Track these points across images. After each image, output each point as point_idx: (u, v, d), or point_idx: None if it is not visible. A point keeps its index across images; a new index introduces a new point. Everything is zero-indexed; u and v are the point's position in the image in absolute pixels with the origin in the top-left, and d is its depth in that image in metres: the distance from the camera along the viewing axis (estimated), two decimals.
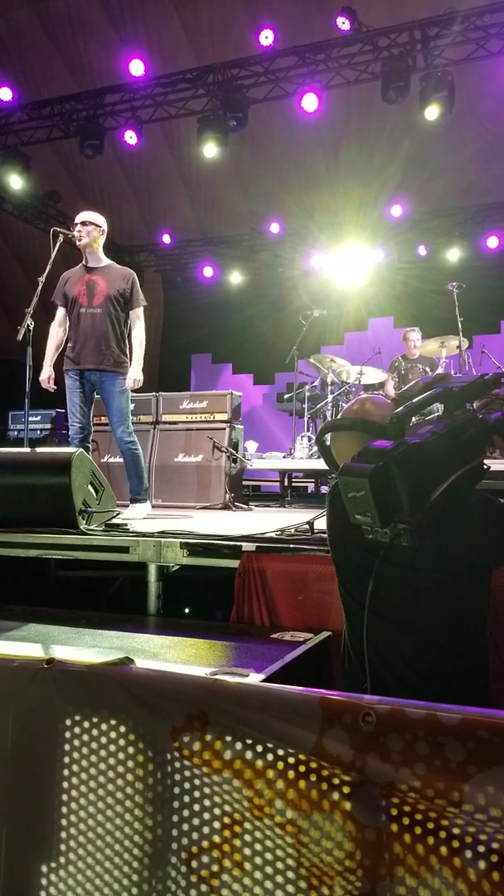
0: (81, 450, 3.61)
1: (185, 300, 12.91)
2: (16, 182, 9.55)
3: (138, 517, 4.30)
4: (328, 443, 2.05)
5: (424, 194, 10.09)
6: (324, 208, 10.45)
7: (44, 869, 1.36)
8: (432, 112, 7.30)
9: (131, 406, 6.45)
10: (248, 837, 1.21)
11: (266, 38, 7.67)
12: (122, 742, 1.33)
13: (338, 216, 10.52)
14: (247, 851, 1.21)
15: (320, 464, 6.70)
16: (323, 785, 1.15)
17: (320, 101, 7.65)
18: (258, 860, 1.20)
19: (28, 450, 3.85)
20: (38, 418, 8.00)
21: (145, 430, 6.36)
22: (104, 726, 1.35)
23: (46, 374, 4.48)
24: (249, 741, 1.22)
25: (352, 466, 1.58)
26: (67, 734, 1.37)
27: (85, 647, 2.37)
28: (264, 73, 8.06)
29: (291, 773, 1.18)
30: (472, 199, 10.26)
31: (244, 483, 6.87)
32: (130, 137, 8.70)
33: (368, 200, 10.10)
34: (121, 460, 4.62)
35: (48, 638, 2.51)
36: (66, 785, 1.36)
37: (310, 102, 7.65)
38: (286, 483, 7.36)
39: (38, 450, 3.88)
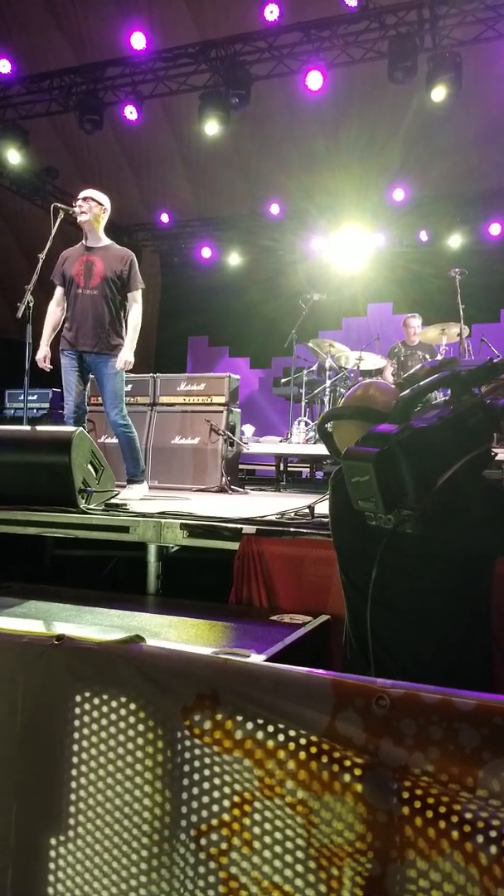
0: (81, 429, 3.59)
1: (182, 281, 12.81)
2: (13, 157, 9.41)
3: (135, 498, 4.29)
4: (330, 429, 2.03)
5: (426, 178, 9.99)
6: (324, 190, 10.34)
7: (52, 842, 1.37)
8: (439, 93, 7.21)
9: (128, 387, 6.45)
10: (257, 816, 1.22)
11: (271, 13, 7.51)
12: (132, 719, 1.34)
13: (338, 199, 10.42)
14: (256, 830, 1.22)
15: (316, 449, 6.73)
16: (334, 767, 1.16)
17: (325, 79, 7.54)
18: (267, 839, 1.21)
19: (28, 428, 3.83)
20: (36, 397, 7.96)
21: (142, 412, 6.34)
22: (114, 703, 1.35)
23: (42, 353, 4.44)
24: (261, 721, 1.23)
25: (355, 451, 1.55)
26: (77, 710, 1.37)
27: (87, 625, 2.37)
28: (268, 48, 7.92)
29: (303, 755, 1.19)
30: (475, 183, 10.17)
31: (240, 467, 6.87)
32: (130, 113, 8.55)
33: (369, 183, 10.00)
34: (117, 441, 4.60)
35: (49, 615, 2.52)
36: (75, 760, 1.37)
37: (314, 80, 7.53)
38: (282, 468, 7.36)
39: (39, 428, 3.86)
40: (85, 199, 4.42)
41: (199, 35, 8.29)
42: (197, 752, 1.28)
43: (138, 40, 8.11)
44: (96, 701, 1.36)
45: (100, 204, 4.46)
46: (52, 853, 1.37)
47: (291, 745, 1.20)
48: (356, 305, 11.28)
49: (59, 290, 4.52)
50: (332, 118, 9.20)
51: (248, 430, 7.58)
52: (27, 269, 4.28)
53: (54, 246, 4.46)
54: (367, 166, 9.69)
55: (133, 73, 8.56)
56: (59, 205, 4.48)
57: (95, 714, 1.36)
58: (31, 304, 4.29)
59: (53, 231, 4.42)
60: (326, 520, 2.28)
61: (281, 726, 1.21)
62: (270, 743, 1.21)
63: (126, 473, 4.52)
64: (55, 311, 4.51)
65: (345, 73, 8.12)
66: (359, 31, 7.51)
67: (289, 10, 7.57)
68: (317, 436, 6.32)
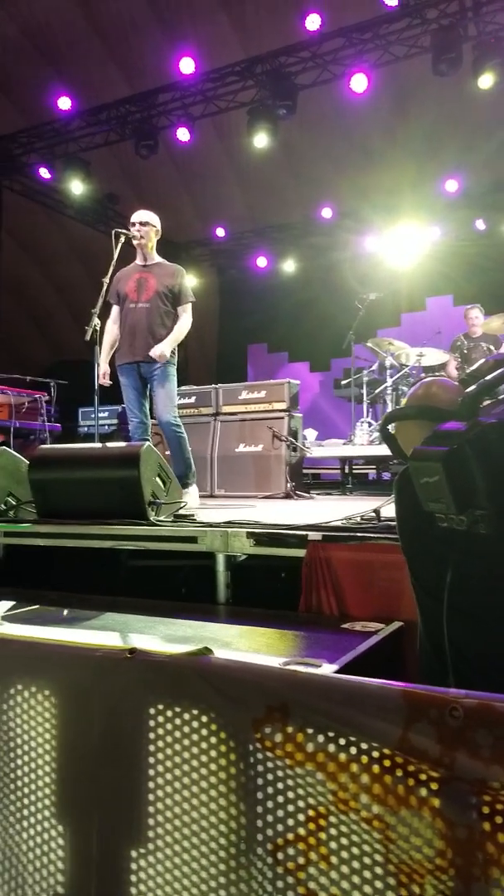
0: (149, 443, 3.66)
1: (240, 292, 12.93)
2: (77, 187, 9.81)
3: (194, 504, 4.35)
4: (393, 431, 2.00)
5: (481, 168, 9.78)
6: (378, 188, 10.26)
7: (133, 854, 1.39)
8: (486, 80, 7.09)
9: (191, 399, 6.55)
10: (333, 831, 1.21)
11: (312, 22, 7.60)
12: (204, 732, 1.35)
13: (392, 196, 10.32)
14: (333, 845, 1.21)
15: (381, 450, 6.64)
16: (409, 780, 1.14)
17: (370, 80, 7.52)
18: (345, 854, 1.20)
19: (99, 445, 3.94)
20: (106, 414, 8.20)
21: (205, 423, 6.42)
22: (186, 716, 1.36)
23: (102, 370, 4.56)
24: (332, 734, 1.22)
25: (423, 450, 1.51)
26: (151, 723, 1.39)
27: (161, 636, 2.41)
28: (311, 57, 7.96)
29: (376, 768, 1.17)
30: None
31: (304, 471, 6.85)
32: (183, 134, 8.79)
33: (424, 177, 9.86)
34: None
35: (125, 626, 2.57)
36: (151, 773, 1.39)
37: (359, 83, 7.54)
38: (347, 470, 7.29)
39: (109, 445, 3.96)
40: (142, 223, 4.55)
41: (244, 52, 8.43)
42: (269, 764, 1.27)
43: (187, 65, 8.34)
44: (169, 713, 1.38)
45: (153, 226, 4.61)
46: (133, 865, 1.39)
47: (364, 759, 1.18)
48: (415, 300, 11.12)
49: (115, 309, 4.66)
50: (382, 116, 9.13)
51: (311, 434, 7.55)
52: (95, 293, 4.43)
53: (117, 268, 4.60)
54: (421, 160, 9.57)
55: (183, 96, 8.79)
56: (120, 230, 4.62)
57: (169, 726, 1.38)
58: (97, 327, 4.42)
59: (115, 255, 4.54)
60: (394, 523, 2.24)
61: (352, 739, 1.19)
62: (342, 756, 1.20)
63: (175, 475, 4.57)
64: (112, 330, 4.65)
65: (395, 70, 8.06)
66: (400, 29, 7.47)
67: (329, 17, 7.62)
68: (380, 437, 6.24)
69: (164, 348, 4.43)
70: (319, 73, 8.06)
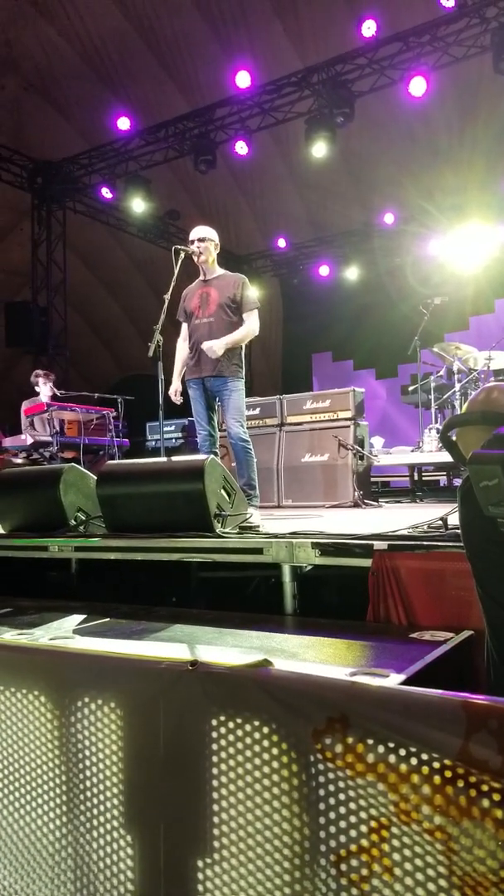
0: (213, 456, 3.72)
1: (303, 302, 12.95)
2: (138, 206, 10.06)
3: (257, 520, 4.35)
4: (454, 437, 1.97)
5: None
6: (444, 188, 10.09)
7: (199, 864, 1.41)
8: None
9: (256, 410, 6.60)
10: (396, 842, 1.20)
11: (368, 28, 7.58)
12: (265, 743, 1.36)
13: (459, 196, 10.12)
14: (396, 857, 1.20)
15: (449, 456, 6.44)
16: (471, 791, 1.12)
17: (429, 83, 7.43)
18: (408, 866, 1.19)
19: (164, 459, 4.02)
20: (172, 428, 8.36)
21: (271, 433, 6.45)
22: (248, 727, 1.38)
23: (175, 387, 4.67)
24: (392, 745, 1.21)
25: (482, 454, 1.49)
26: (214, 734, 1.42)
27: (228, 647, 2.44)
28: (368, 63, 7.94)
29: (437, 779, 1.15)
30: None
31: (372, 480, 6.78)
32: (241, 148, 8.89)
33: (493, 176, 9.64)
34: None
35: (193, 638, 2.60)
36: (215, 783, 1.41)
37: (417, 87, 7.46)
38: (416, 477, 7.16)
39: (174, 458, 4.04)
40: (201, 239, 4.62)
41: (301, 62, 8.48)
42: (331, 775, 1.27)
43: (243, 79, 8.44)
44: (231, 725, 1.40)
45: (212, 240, 4.66)
46: (200, 875, 1.41)
47: (425, 769, 1.17)
48: (483, 303, 10.85)
49: (184, 327, 4.75)
50: (447, 116, 9.00)
51: (378, 442, 7.46)
52: (158, 309, 4.53)
53: (180, 283, 4.69)
54: (491, 159, 9.36)
55: (240, 109, 8.90)
56: (180, 247, 4.70)
57: (231, 738, 1.40)
58: (160, 343, 4.52)
59: (176, 272, 4.63)
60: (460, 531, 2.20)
61: (413, 750, 1.18)
62: (403, 767, 1.19)
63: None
64: (182, 347, 4.74)
65: (450, 72, 7.94)
66: (458, 29, 7.36)
67: (385, 22, 7.59)
68: (442, 443, 6.10)
69: (217, 344, 4.41)
70: (377, 78, 8.03)
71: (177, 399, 4.70)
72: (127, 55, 9.12)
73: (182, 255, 4.65)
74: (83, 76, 9.30)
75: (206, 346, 4.44)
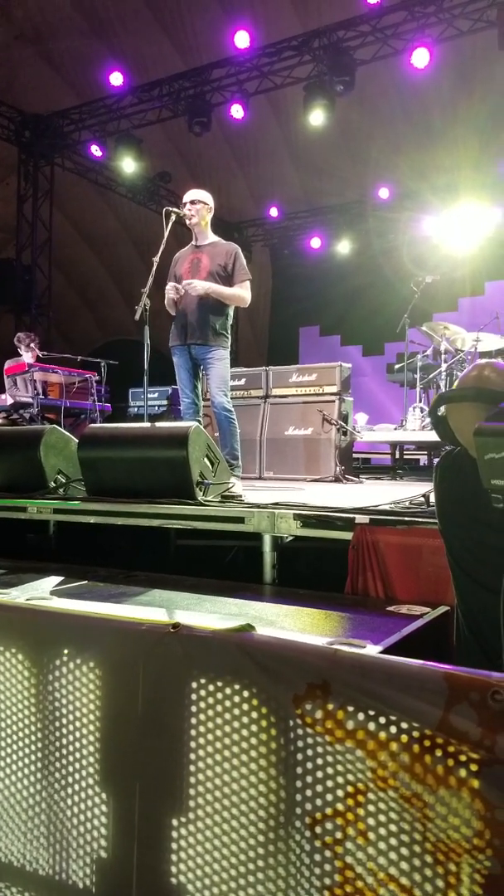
0: (197, 424, 3.69)
1: (293, 273, 12.83)
2: (129, 165, 9.80)
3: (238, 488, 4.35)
4: (443, 413, 1.96)
5: None
6: (438, 167, 9.99)
7: (174, 822, 1.43)
8: None
9: (241, 381, 6.55)
10: (371, 808, 1.22)
11: None
12: (245, 706, 1.37)
13: (453, 175, 10.03)
14: (371, 821, 1.22)
15: (433, 435, 6.48)
16: (449, 761, 1.13)
17: (432, 55, 7.28)
18: (382, 831, 1.20)
19: (148, 425, 3.99)
20: (156, 395, 8.29)
21: (256, 404, 6.42)
22: (228, 690, 1.39)
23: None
24: (372, 712, 1.22)
25: (489, 426, 1.48)
26: (193, 696, 1.42)
27: (206, 613, 2.44)
28: (371, 31, 7.77)
29: (416, 747, 1.17)
30: None
31: (354, 456, 6.80)
32: (237, 111, 8.66)
33: (488, 156, 9.55)
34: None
35: (171, 603, 2.61)
36: (193, 745, 1.42)
37: (420, 58, 7.31)
38: (397, 455, 7.20)
39: (158, 425, 4.01)
40: (193, 202, 4.51)
41: (302, 26, 8.27)
42: (309, 740, 1.28)
43: (242, 39, 8.20)
44: (211, 687, 1.40)
45: (206, 204, 4.53)
46: (174, 833, 1.42)
47: (404, 738, 1.18)
48: (474, 284, 10.83)
49: None
50: (444, 92, 8.86)
51: (362, 418, 7.48)
52: (145, 273, 4.42)
53: (169, 247, 4.58)
54: (485, 138, 9.26)
55: (238, 71, 8.67)
56: (171, 208, 4.60)
57: (211, 700, 1.40)
58: (147, 307, 4.44)
59: (166, 235, 4.53)
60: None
61: (393, 718, 1.19)
62: (382, 734, 1.20)
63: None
64: (173, 308, 4.64)
65: (459, 45, 7.79)
66: (465, 2, 7.19)
67: None
68: (430, 419, 6.13)
69: (201, 284, 4.29)
70: (379, 47, 7.86)
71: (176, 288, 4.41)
72: (122, 9, 8.81)
73: (173, 217, 4.54)
74: (76, 27, 8.98)
75: (187, 281, 4.29)
